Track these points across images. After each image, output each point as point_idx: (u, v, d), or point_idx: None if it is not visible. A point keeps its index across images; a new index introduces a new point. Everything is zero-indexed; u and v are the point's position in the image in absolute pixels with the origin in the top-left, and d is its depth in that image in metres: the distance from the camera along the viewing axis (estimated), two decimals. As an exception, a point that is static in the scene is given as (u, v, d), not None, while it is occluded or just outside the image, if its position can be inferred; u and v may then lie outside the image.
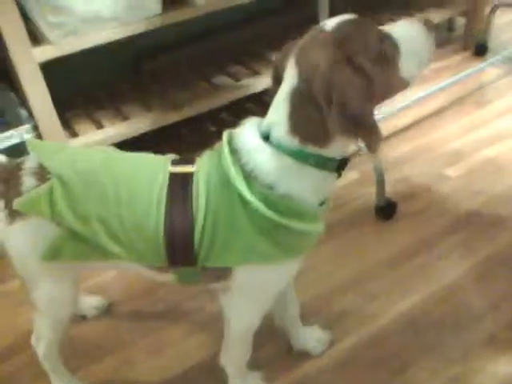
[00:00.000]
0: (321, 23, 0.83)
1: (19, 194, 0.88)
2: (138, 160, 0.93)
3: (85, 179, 0.87)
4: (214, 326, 1.26)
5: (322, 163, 0.82)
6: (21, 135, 1.59)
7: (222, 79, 1.93)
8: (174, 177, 0.88)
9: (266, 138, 0.83)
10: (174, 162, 0.91)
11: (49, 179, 0.88)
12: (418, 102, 1.86)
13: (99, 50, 1.57)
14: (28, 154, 0.94)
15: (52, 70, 1.51)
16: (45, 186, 0.87)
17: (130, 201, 0.87)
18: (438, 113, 1.98)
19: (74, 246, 0.89)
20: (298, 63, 0.80)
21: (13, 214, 0.89)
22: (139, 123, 1.74)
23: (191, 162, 0.90)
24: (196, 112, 1.83)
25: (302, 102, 0.79)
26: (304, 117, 0.80)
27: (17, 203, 0.87)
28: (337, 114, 0.75)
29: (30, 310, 1.33)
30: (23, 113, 1.63)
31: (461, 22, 2.49)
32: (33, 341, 1.09)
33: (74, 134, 1.71)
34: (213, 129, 2.06)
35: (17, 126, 1.62)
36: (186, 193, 0.86)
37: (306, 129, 0.80)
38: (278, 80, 0.86)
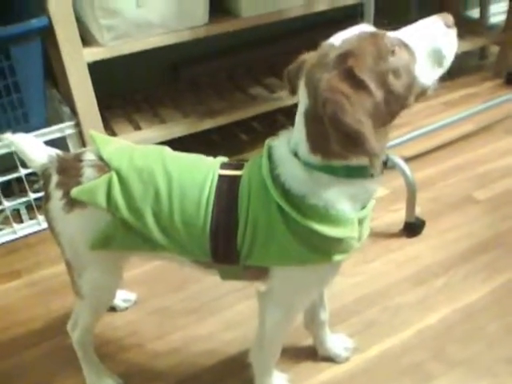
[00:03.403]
0: (330, 39, 0.82)
1: (79, 184, 0.93)
2: (191, 160, 0.97)
3: (141, 175, 0.92)
4: (242, 324, 1.29)
5: (352, 173, 0.84)
6: (62, 130, 1.64)
7: (257, 90, 1.98)
8: (222, 179, 0.92)
9: (296, 153, 0.86)
10: (224, 165, 0.95)
11: (107, 172, 0.92)
12: (448, 126, 1.88)
13: (139, 54, 1.61)
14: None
15: (94, 70, 1.56)
16: (103, 178, 0.92)
17: (181, 198, 0.91)
18: (467, 137, 1.99)
19: (125, 236, 0.93)
20: (307, 84, 0.81)
21: (71, 203, 0.94)
22: (175, 127, 1.79)
23: (239, 166, 0.94)
24: (230, 120, 1.87)
25: (314, 122, 0.81)
26: (319, 136, 0.81)
27: (74, 191, 0.91)
28: (332, 132, 0.75)
29: (58, 298, 1.39)
30: (65, 109, 1.69)
31: (493, 49, 2.52)
32: (69, 326, 1.12)
33: (112, 134, 1.77)
34: (244, 137, 2.11)
35: (57, 121, 1.67)
36: (232, 195, 0.90)
37: (324, 146, 0.81)
38: (293, 91, 0.89)
